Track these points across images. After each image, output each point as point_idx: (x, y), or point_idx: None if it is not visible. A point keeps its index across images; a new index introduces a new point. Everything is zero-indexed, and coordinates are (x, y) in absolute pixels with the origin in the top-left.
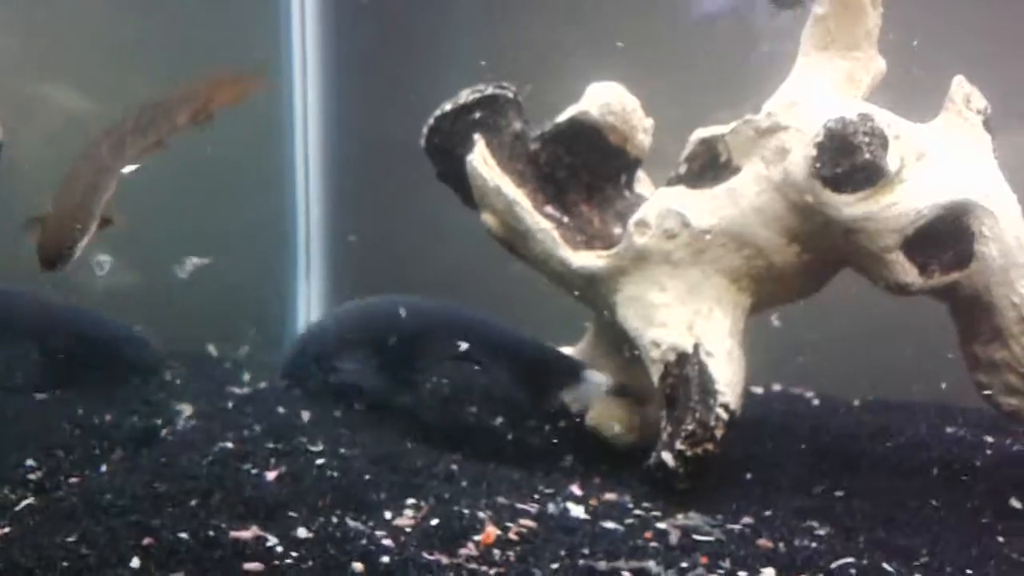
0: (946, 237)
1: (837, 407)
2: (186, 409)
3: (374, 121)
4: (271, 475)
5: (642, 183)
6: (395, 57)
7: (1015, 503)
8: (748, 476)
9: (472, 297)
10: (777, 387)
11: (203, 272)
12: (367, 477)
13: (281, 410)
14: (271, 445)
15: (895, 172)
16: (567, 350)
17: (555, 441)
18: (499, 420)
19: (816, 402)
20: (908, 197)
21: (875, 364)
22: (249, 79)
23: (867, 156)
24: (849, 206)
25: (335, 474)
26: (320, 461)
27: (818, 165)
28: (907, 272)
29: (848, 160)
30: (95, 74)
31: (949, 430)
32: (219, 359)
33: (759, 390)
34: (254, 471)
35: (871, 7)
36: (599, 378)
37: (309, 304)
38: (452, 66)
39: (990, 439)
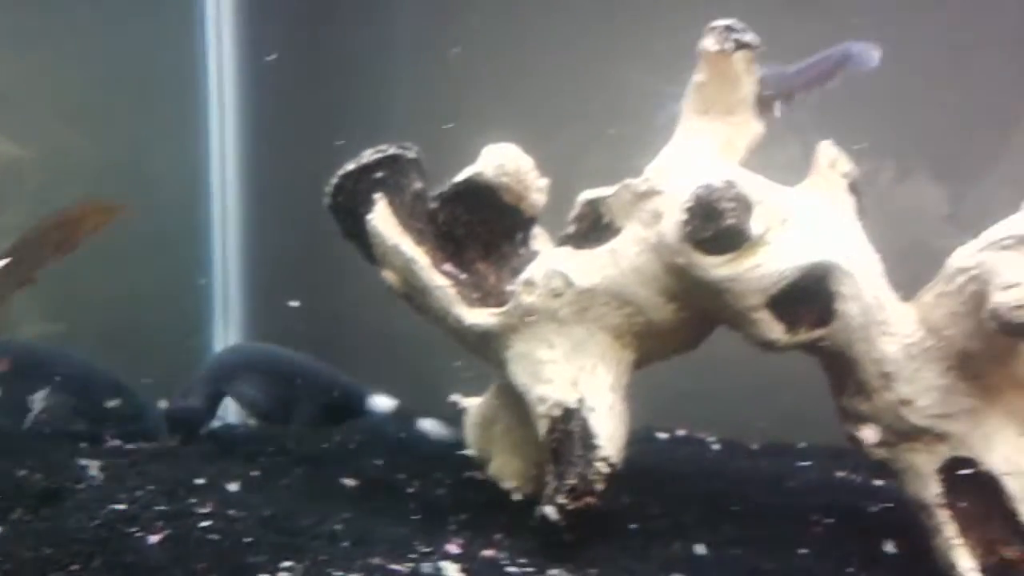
0: (810, 296)
1: (736, 452)
2: (92, 467)
3: (294, 176)
4: (154, 538)
5: (539, 240)
6: (315, 115)
7: (889, 547)
8: (633, 526)
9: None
10: (682, 432)
11: (123, 327)
12: (248, 540)
13: (182, 469)
14: (161, 507)
15: (759, 236)
16: (473, 401)
17: (450, 494)
18: (402, 475)
19: (716, 447)
20: (771, 259)
21: (777, 408)
22: (111, 208)
23: (731, 221)
24: (717, 268)
25: (217, 537)
26: (206, 523)
27: (687, 229)
28: (773, 329)
29: (714, 225)
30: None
31: (840, 474)
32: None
33: (664, 435)
34: (139, 534)
35: (745, 75)
36: (384, 403)
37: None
38: (370, 121)
39: (879, 483)
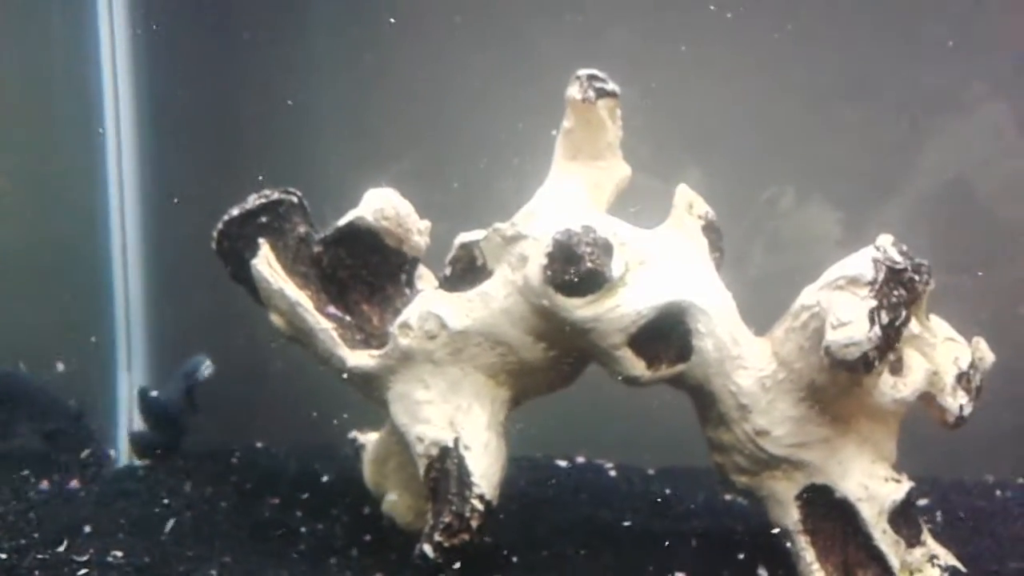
0: (669, 333)
1: (631, 477)
2: None
3: (194, 210)
4: None
5: (423, 280)
6: (217, 147)
7: (762, 572)
8: (514, 560)
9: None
10: (581, 459)
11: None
12: None
13: (73, 513)
14: (40, 556)
15: (619, 277)
16: (371, 437)
17: (344, 532)
18: (298, 512)
19: (613, 473)
20: (629, 299)
21: (675, 430)
22: None
23: (590, 265)
24: (579, 309)
25: None
26: (82, 572)
27: (549, 273)
28: (635, 366)
29: (574, 268)
30: None
31: (728, 498)
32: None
33: (563, 463)
34: None
35: (610, 121)
36: None
37: (132, 395)
38: (270, 156)
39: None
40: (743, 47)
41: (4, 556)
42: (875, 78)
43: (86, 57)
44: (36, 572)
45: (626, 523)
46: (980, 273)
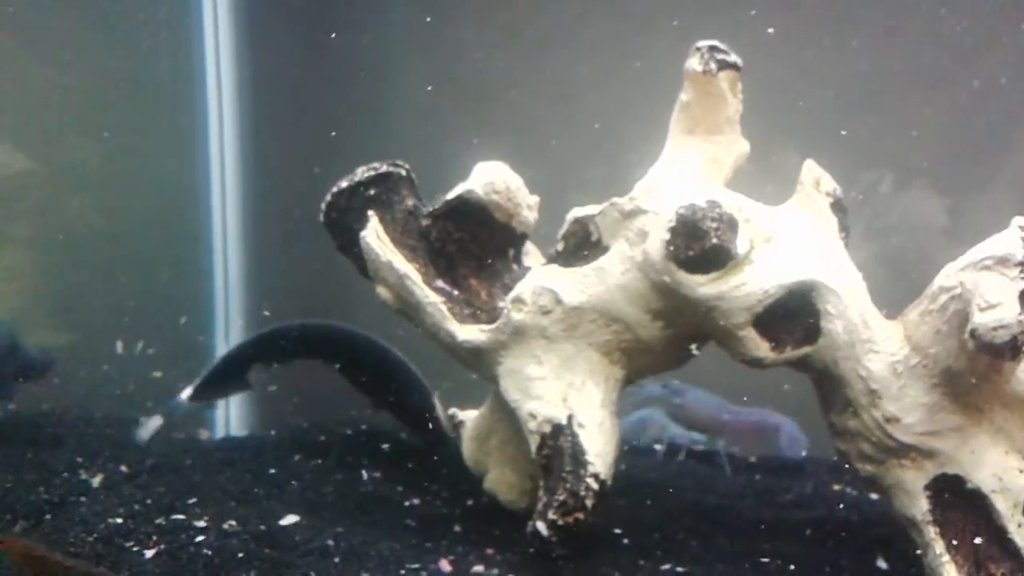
0: (796, 314)
1: (734, 465)
2: (94, 480)
3: (293, 189)
4: (149, 553)
5: (531, 256)
6: (314, 124)
7: (881, 563)
8: (625, 541)
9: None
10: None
11: (120, 338)
12: (240, 555)
13: (180, 480)
14: (158, 520)
15: (744, 254)
16: (470, 414)
17: (446, 507)
18: (399, 487)
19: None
20: (756, 278)
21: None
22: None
23: (715, 241)
24: (702, 286)
25: (209, 552)
26: (200, 538)
27: (672, 248)
28: (759, 347)
29: (698, 244)
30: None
31: (836, 488)
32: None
33: (658, 447)
34: (135, 549)
35: (731, 95)
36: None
37: None
38: (369, 136)
39: (875, 496)
40: (844, 29)
41: (120, 520)
42: (978, 61)
43: (189, 37)
44: (154, 536)
45: (735, 510)
46: None
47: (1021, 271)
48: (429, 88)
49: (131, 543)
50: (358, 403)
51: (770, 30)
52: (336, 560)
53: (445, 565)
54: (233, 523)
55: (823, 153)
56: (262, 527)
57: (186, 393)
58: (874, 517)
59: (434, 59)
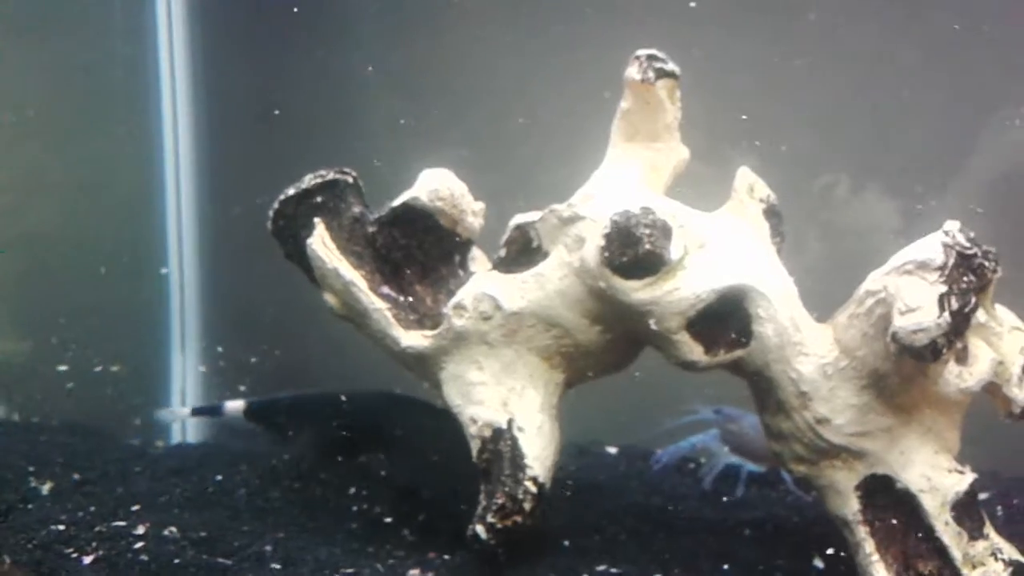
0: (728, 318)
1: (682, 467)
2: (44, 487)
3: (249, 195)
4: (88, 560)
5: (477, 262)
6: (272, 130)
7: (818, 563)
8: (566, 543)
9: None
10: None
11: (78, 346)
12: (176, 561)
13: (127, 487)
14: (99, 528)
15: (678, 260)
16: None
17: (396, 513)
18: (351, 490)
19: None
20: (688, 283)
21: None
22: None
23: (648, 247)
24: (636, 291)
25: (146, 558)
26: (138, 544)
27: (606, 254)
28: (693, 351)
29: (632, 250)
30: None
31: (780, 488)
32: (93, 431)
33: (614, 450)
34: (74, 555)
35: (669, 102)
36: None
37: (184, 375)
38: (324, 140)
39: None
40: (800, 33)
41: (62, 527)
42: (933, 65)
43: (143, 41)
44: (94, 543)
45: (678, 511)
46: None
47: (940, 275)
48: (382, 87)
49: (70, 550)
50: None
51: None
52: (273, 566)
53: (380, 569)
54: (173, 529)
55: (779, 157)
56: (202, 533)
57: (236, 404)
58: (813, 518)
59: (395, 65)
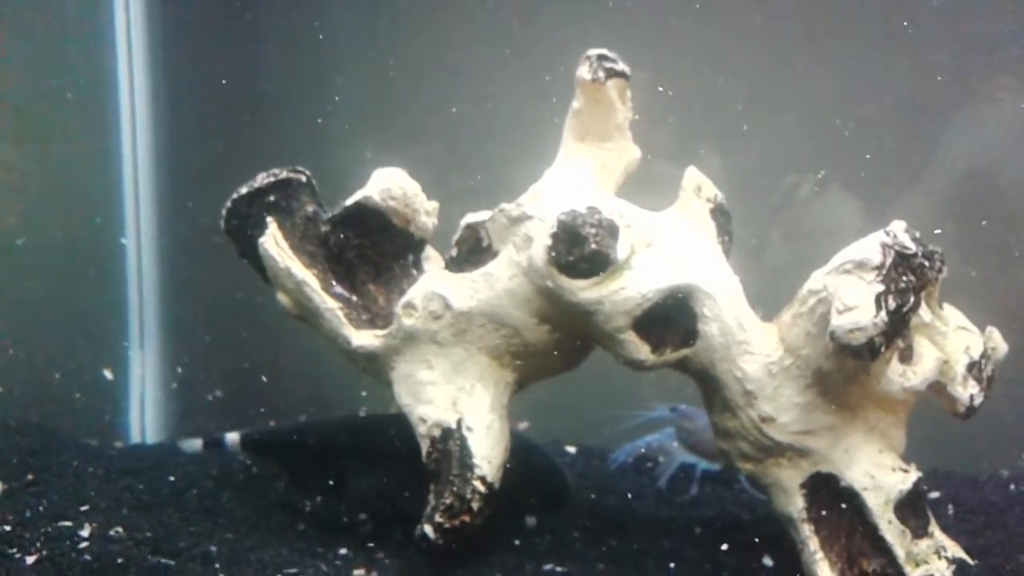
0: (674, 317)
1: (638, 466)
2: None
3: (208, 195)
4: (31, 560)
5: (431, 261)
6: (231, 129)
7: (767, 560)
8: (516, 542)
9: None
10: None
11: (35, 345)
12: (120, 560)
13: (78, 488)
14: (45, 528)
15: (624, 259)
16: None
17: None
18: (304, 493)
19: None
20: (634, 282)
21: None
22: None
23: (594, 246)
24: (583, 291)
25: (89, 558)
26: (83, 545)
27: (553, 254)
28: (639, 350)
29: (578, 250)
30: None
31: (735, 487)
32: (50, 431)
33: (572, 449)
34: (17, 555)
35: (620, 102)
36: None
37: (143, 373)
38: (287, 138)
39: None
40: (764, 32)
41: (8, 528)
42: (896, 66)
43: (101, 41)
44: (38, 543)
45: (630, 510)
46: (1001, 264)
47: (878, 275)
48: (342, 87)
49: (14, 550)
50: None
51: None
52: (216, 566)
53: (324, 568)
54: (120, 530)
55: (742, 156)
56: (148, 534)
57: (234, 436)
58: (763, 516)
59: (358, 63)
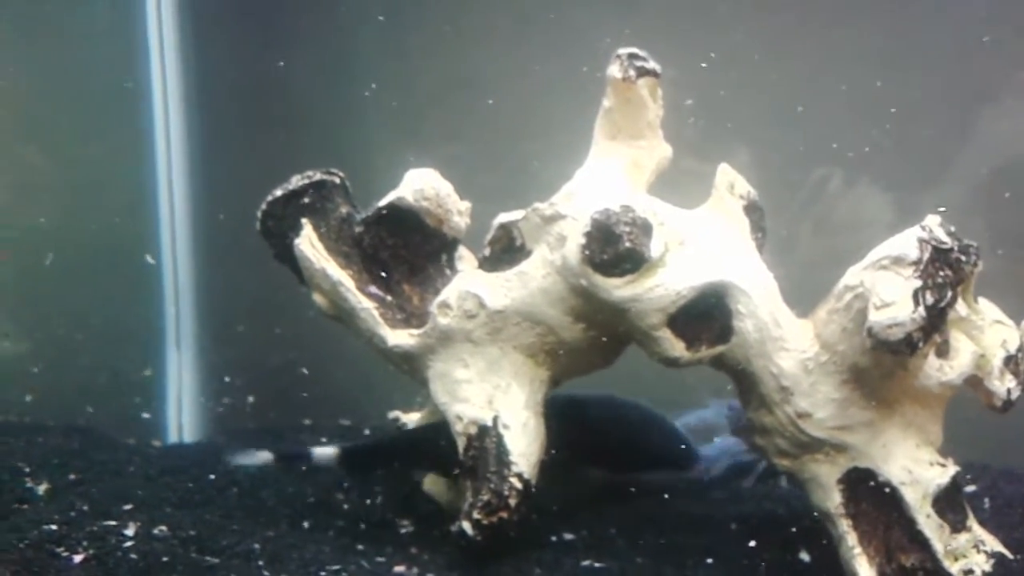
0: (709, 314)
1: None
2: (40, 488)
3: (242, 192)
4: (78, 558)
5: (465, 260)
6: (264, 131)
7: (804, 556)
8: (553, 539)
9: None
10: None
11: (74, 346)
12: (165, 559)
13: (120, 487)
14: (91, 527)
15: (658, 257)
16: (412, 417)
17: (389, 511)
18: (339, 492)
19: None
20: (669, 280)
21: None
22: None
23: (628, 244)
24: (618, 289)
25: (135, 556)
26: (128, 543)
27: (587, 252)
28: (674, 347)
29: (612, 248)
30: None
31: (769, 483)
32: (90, 431)
33: None
34: (64, 554)
35: (651, 100)
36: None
37: (180, 373)
38: (318, 141)
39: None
40: (793, 26)
41: (55, 527)
42: (928, 58)
43: (134, 41)
44: (85, 542)
45: (665, 507)
46: None
47: (915, 270)
48: (374, 90)
49: (61, 548)
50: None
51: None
52: (259, 563)
53: (365, 566)
54: (164, 528)
55: (772, 151)
56: (191, 532)
57: (328, 451)
58: (800, 511)
59: (389, 64)
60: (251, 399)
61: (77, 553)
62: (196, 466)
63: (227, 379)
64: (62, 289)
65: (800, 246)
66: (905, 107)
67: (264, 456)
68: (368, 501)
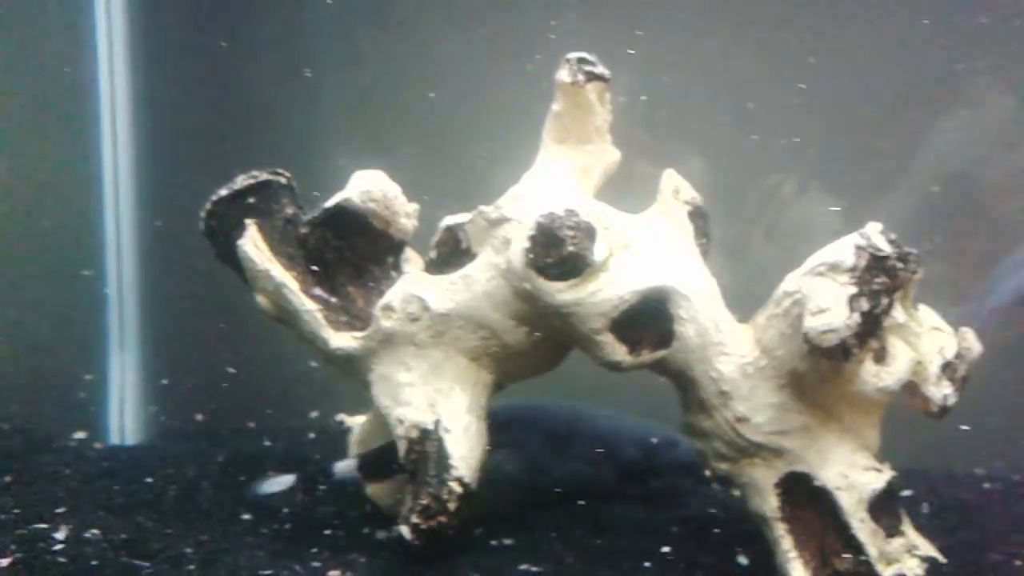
0: (651, 319)
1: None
2: None
3: (188, 192)
4: (5, 562)
5: (411, 263)
6: (213, 134)
7: (742, 559)
8: (492, 543)
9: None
10: None
11: (16, 344)
12: (95, 563)
13: (55, 489)
14: (21, 531)
15: (601, 261)
16: (358, 420)
17: (328, 515)
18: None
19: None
20: (611, 284)
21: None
22: None
23: (572, 248)
24: (561, 293)
25: (64, 560)
26: (58, 547)
27: (531, 256)
28: (616, 351)
29: (556, 252)
30: None
31: (716, 486)
32: (29, 432)
33: None
34: None
35: (599, 105)
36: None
37: (123, 375)
38: (267, 142)
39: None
40: (745, 35)
41: None
42: (878, 68)
43: (82, 47)
44: (13, 545)
45: (606, 511)
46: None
47: (851, 277)
48: (324, 90)
49: None
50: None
51: (638, 32)
52: (190, 568)
53: (299, 570)
54: (96, 531)
55: (723, 156)
56: (123, 536)
57: (345, 464)
58: (739, 515)
59: (340, 67)
60: (194, 401)
61: (4, 556)
62: (134, 468)
63: (165, 381)
64: (3, 290)
65: (751, 252)
66: (861, 113)
67: (287, 480)
68: (312, 504)
